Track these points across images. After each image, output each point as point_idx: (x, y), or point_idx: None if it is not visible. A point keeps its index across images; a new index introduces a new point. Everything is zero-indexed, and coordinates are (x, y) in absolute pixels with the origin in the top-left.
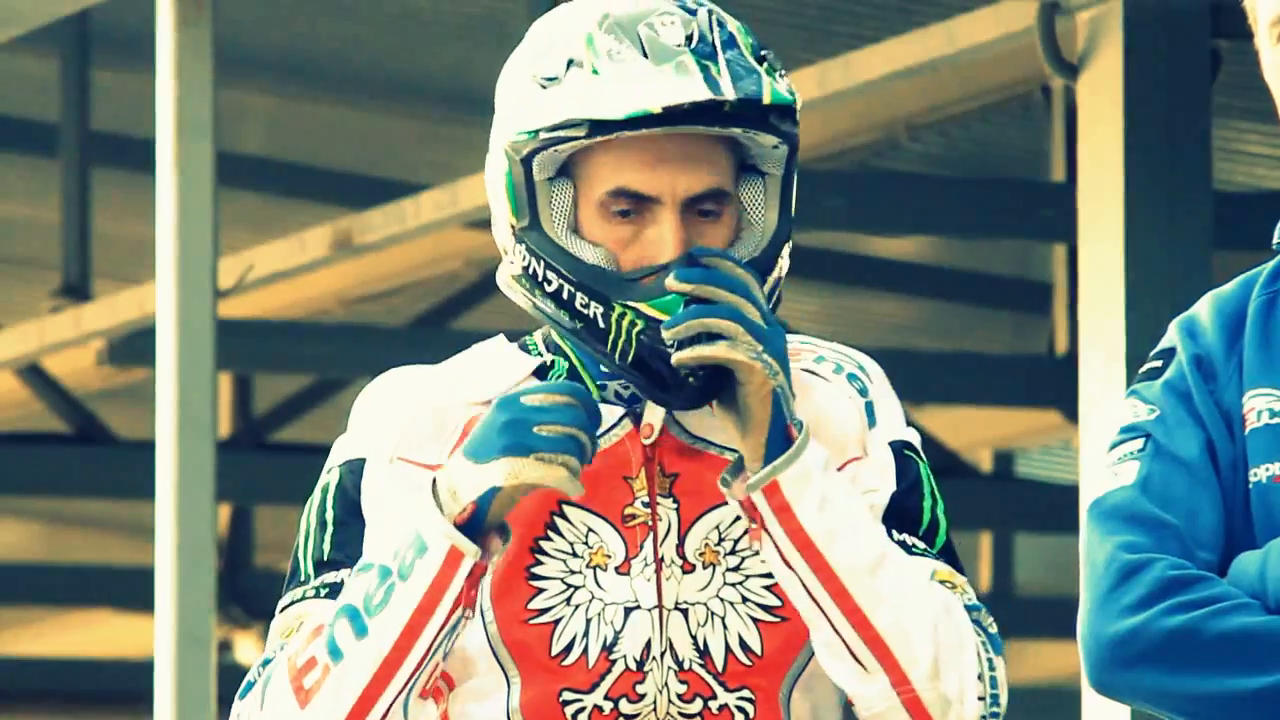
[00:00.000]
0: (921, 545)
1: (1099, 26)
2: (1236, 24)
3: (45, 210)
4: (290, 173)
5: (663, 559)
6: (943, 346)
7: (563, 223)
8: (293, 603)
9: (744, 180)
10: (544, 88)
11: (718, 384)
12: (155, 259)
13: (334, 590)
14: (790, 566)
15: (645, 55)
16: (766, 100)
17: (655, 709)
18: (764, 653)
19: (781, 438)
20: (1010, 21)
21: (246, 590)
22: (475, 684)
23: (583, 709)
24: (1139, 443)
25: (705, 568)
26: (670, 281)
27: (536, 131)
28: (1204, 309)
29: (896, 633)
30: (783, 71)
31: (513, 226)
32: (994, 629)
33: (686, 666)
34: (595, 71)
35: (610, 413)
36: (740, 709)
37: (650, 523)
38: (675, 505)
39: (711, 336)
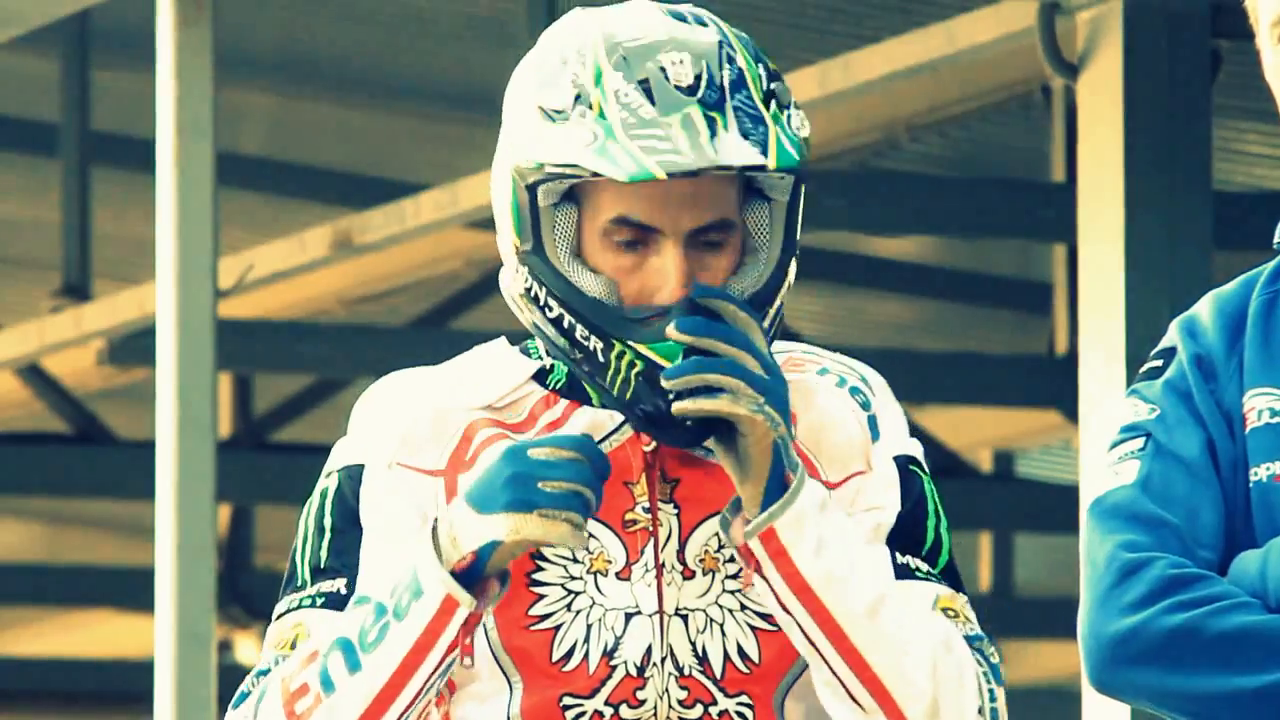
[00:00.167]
0: (925, 568)
1: (1099, 26)
2: (1236, 24)
3: (45, 210)
4: (290, 173)
5: (663, 564)
6: (943, 346)
7: (565, 246)
8: (289, 610)
9: (749, 205)
10: (552, 120)
11: (714, 425)
12: (155, 259)
13: (330, 600)
14: (788, 611)
15: (653, 102)
16: (771, 165)
17: (656, 714)
18: (761, 661)
19: (779, 485)
20: (1010, 21)
21: (246, 590)
22: (476, 688)
23: (583, 714)
24: (1139, 442)
25: (705, 574)
26: (671, 331)
27: (542, 165)
28: (1205, 308)
29: (894, 675)
30: (793, 106)
31: (516, 246)
32: (996, 658)
33: (687, 672)
34: (602, 116)
35: (612, 418)
36: (739, 715)
37: (651, 528)
38: (676, 511)
39: (712, 388)
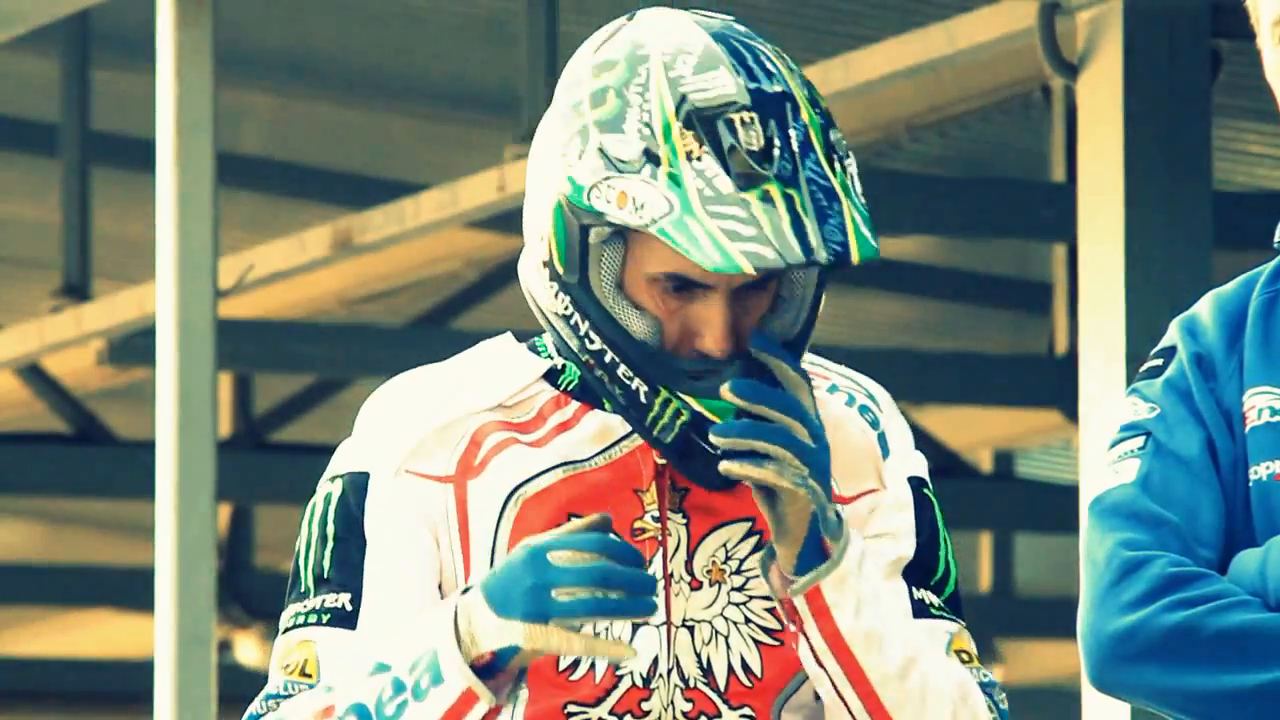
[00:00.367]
0: (938, 602)
1: (1099, 26)
2: (1236, 24)
3: (45, 210)
4: (290, 173)
5: (671, 575)
6: (943, 346)
7: (610, 280)
8: (295, 625)
9: None
10: (618, 170)
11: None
12: (155, 259)
13: (336, 616)
14: (822, 666)
15: (727, 170)
16: (855, 260)
17: None
18: (763, 675)
19: (814, 550)
20: (1010, 21)
21: (246, 590)
22: None
23: None
24: (1139, 440)
25: (711, 585)
26: (725, 393)
27: (603, 214)
28: (1205, 308)
29: None
30: (848, 154)
31: (558, 270)
32: (1005, 703)
33: (692, 684)
34: (675, 183)
35: (623, 423)
36: None
37: (660, 537)
38: (685, 520)
39: (758, 452)
